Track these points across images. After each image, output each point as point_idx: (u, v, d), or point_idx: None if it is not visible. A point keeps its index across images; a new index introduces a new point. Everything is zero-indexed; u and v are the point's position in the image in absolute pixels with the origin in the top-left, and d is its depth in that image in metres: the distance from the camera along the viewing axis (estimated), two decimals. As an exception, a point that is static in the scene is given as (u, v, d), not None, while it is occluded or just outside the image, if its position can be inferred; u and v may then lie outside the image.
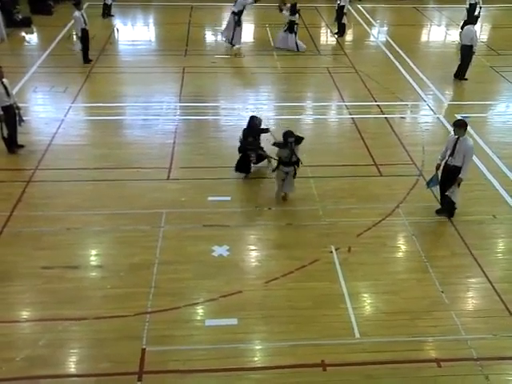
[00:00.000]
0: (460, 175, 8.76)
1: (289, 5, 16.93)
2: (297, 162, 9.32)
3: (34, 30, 18.39)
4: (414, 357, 6.69)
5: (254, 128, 10.05)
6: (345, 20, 18.42)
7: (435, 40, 19.46)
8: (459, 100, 14.01)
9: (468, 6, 18.63)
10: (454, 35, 18.80)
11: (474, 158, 10.91)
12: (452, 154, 8.77)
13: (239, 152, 10.05)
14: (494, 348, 6.82)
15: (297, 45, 16.90)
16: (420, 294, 7.62)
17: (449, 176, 8.92)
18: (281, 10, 17.24)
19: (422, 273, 8.00)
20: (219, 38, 17.77)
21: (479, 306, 7.55)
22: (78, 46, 15.20)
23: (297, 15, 16.81)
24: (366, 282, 7.85)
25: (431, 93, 14.23)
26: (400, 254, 8.53)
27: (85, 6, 20.69)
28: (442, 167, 9.04)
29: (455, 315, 7.26)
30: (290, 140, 9.02)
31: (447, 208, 9.17)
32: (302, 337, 6.87)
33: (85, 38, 15.04)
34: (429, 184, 9.23)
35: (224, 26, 17.56)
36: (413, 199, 9.66)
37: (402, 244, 8.72)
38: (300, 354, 6.64)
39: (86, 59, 15.28)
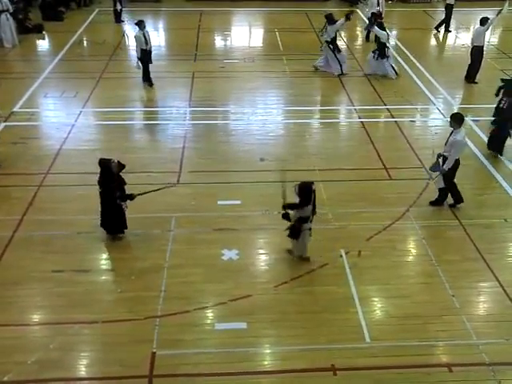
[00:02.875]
0: (444, 166, 9.04)
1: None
2: (314, 209, 7.84)
3: (46, 36, 18.54)
4: (425, 361, 6.65)
5: (114, 172, 8.23)
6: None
7: (445, 43, 19.37)
8: (469, 103, 13.95)
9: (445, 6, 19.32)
10: (464, 38, 18.75)
11: (485, 161, 10.94)
12: (446, 145, 9.12)
13: (113, 206, 8.36)
14: (506, 353, 6.76)
15: (393, 68, 15.30)
16: (431, 298, 7.58)
17: (442, 165, 9.19)
18: (371, 26, 15.67)
19: (433, 277, 7.96)
20: (318, 69, 15.68)
21: (491, 310, 7.50)
22: (139, 66, 14.19)
23: (385, 32, 15.09)
24: (376, 285, 7.83)
25: (441, 96, 14.18)
26: (410, 258, 8.49)
27: (95, 12, 21.04)
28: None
29: (466, 319, 7.21)
30: (314, 188, 7.56)
31: (439, 197, 9.49)
32: (312, 341, 6.86)
33: (144, 58, 14.07)
34: (432, 168, 9.48)
35: (320, 60, 15.68)
36: (423, 203, 9.62)
37: (412, 248, 8.68)
38: (310, 359, 6.62)
39: (148, 79, 14.34)
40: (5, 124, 12.16)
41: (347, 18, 15.29)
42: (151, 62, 14.35)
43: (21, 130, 11.98)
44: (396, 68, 15.46)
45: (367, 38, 18.47)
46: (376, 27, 15.26)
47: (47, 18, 19.69)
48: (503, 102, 11.37)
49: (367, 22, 18.09)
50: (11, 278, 7.75)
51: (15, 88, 14.02)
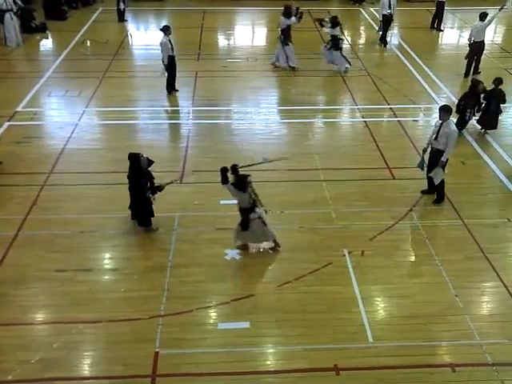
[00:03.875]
0: (442, 158, 9.14)
1: (327, 19, 15.83)
2: (253, 199, 7.99)
3: (49, 35, 18.58)
4: (428, 361, 6.64)
5: (142, 166, 8.39)
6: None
7: (448, 42, 19.35)
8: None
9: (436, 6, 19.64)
10: (467, 37, 18.70)
11: (489, 160, 10.91)
12: (436, 138, 9.22)
13: (142, 201, 8.55)
14: (509, 353, 6.75)
15: (346, 59, 15.51)
16: (434, 298, 7.56)
17: (433, 159, 9.35)
18: (322, 26, 15.84)
19: (436, 276, 7.95)
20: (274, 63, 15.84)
21: (494, 310, 7.48)
22: (165, 74, 13.68)
23: (338, 28, 15.22)
24: (379, 285, 7.82)
25: (444, 95, 14.15)
26: (413, 258, 8.48)
27: (98, 11, 21.07)
28: (428, 151, 9.48)
29: (469, 319, 7.20)
30: (250, 179, 7.80)
31: (434, 190, 9.58)
32: (315, 341, 6.86)
33: (171, 65, 13.57)
34: (419, 165, 9.68)
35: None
36: (426, 202, 9.61)
37: (415, 247, 8.66)
38: (313, 358, 6.62)
39: (172, 87, 13.91)
40: (8, 123, 12.20)
41: (299, 17, 15.28)
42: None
43: (24, 129, 12.02)
44: (348, 58, 15.60)
45: (382, 40, 17.91)
46: (326, 28, 15.39)
47: (50, 17, 19.71)
48: (468, 114, 11.65)
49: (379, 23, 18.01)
50: (14, 277, 7.78)
51: (19, 87, 14.06)
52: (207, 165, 10.66)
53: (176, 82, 14.01)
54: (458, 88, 14.64)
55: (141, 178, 8.35)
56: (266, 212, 8.28)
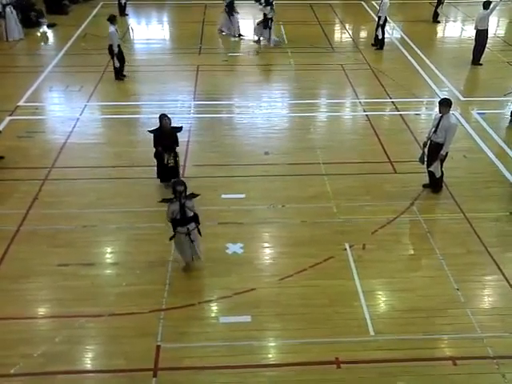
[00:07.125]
0: (441, 151, 9.16)
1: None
2: (196, 218, 7.53)
3: (50, 29, 18.54)
4: (429, 355, 6.65)
5: (165, 128, 9.20)
6: (379, 32, 16.57)
7: (450, 36, 19.26)
8: (475, 96, 13.87)
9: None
10: (470, 31, 18.61)
11: (490, 154, 10.89)
12: (435, 132, 9.20)
13: (155, 157, 9.46)
14: (510, 346, 6.75)
15: (270, 37, 17.06)
16: (435, 291, 7.56)
17: (432, 152, 9.34)
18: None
19: (437, 270, 7.95)
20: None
21: (495, 303, 7.48)
22: (117, 63, 13.98)
23: (269, 8, 16.78)
24: (380, 279, 7.82)
25: (446, 89, 14.11)
26: (415, 252, 8.47)
27: (99, 5, 21.03)
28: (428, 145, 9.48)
29: (471, 313, 7.21)
30: (179, 189, 7.21)
31: (433, 183, 9.62)
32: (316, 334, 6.87)
33: (120, 55, 14.05)
34: (420, 159, 9.64)
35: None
36: (428, 196, 9.60)
37: (416, 241, 8.66)
38: (314, 352, 6.64)
39: (120, 75, 14.30)
40: (10, 118, 12.21)
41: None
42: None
43: (26, 123, 12.02)
44: (276, 38, 17.22)
45: (377, 43, 16.90)
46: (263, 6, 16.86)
47: (51, 12, 19.68)
48: None
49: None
50: (17, 272, 7.80)
51: (20, 82, 14.06)
52: (209, 159, 10.68)
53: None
54: (461, 81, 14.61)
55: (156, 134, 9.26)
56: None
